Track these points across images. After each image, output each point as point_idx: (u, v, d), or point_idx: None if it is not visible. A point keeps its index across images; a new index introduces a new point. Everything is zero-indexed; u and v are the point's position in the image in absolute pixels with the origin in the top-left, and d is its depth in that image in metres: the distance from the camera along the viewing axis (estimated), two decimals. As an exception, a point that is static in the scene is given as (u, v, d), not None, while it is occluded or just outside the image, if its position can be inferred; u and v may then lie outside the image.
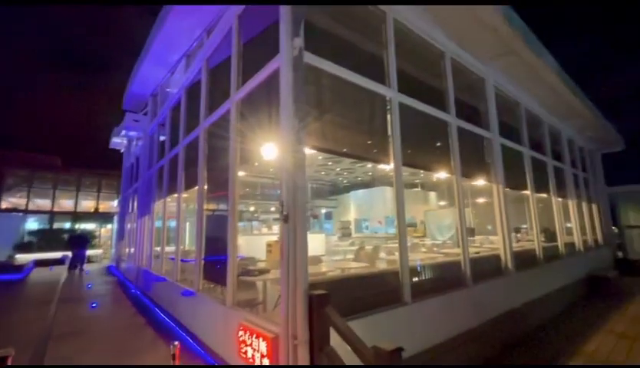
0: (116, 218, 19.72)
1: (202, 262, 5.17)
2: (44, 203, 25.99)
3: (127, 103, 11.39)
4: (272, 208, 14.24)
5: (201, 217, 5.29)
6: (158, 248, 8.34)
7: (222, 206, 5.18)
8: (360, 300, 3.47)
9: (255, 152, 4.33)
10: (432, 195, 15.37)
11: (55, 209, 26.30)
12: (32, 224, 24.76)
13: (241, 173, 4.53)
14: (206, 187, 5.40)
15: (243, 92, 4.32)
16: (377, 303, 3.53)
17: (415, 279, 4.25)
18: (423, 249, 8.19)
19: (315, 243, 11.37)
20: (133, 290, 9.88)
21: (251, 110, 4.24)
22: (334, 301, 2.73)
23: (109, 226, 26.31)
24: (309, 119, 3.35)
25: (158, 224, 8.73)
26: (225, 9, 5.18)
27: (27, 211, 24.48)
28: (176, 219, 7.08)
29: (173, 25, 6.13)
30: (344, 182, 16.32)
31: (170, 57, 7.67)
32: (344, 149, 4.05)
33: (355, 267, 5.34)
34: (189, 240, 11.36)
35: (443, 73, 5.48)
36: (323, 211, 17.41)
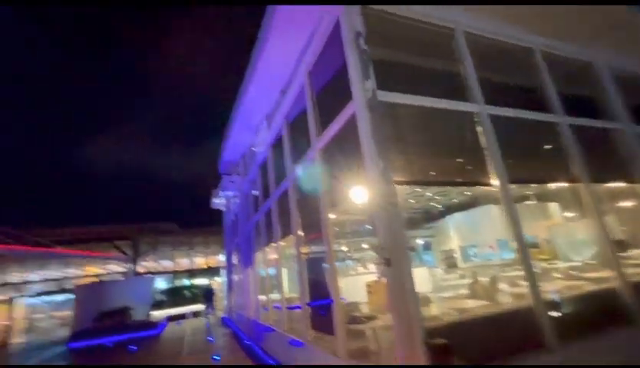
0: (223, 271, 22.14)
1: (309, 309, 5.35)
2: (167, 264, 31.07)
3: (222, 168, 13.27)
4: (364, 245, 14.13)
5: (301, 262, 5.58)
6: (264, 297, 9.00)
7: (313, 248, 5.41)
8: (487, 346, 3.07)
9: (343, 193, 4.49)
10: (553, 206, 13.14)
11: (176, 269, 31.10)
12: (160, 283, 29.64)
13: (331, 215, 4.71)
14: (301, 233, 5.75)
15: (324, 140, 4.63)
16: (509, 349, 3.06)
17: (557, 315, 3.58)
18: (558, 275, 6.90)
19: (418, 279, 10.59)
20: (246, 341, 10.69)
21: (334, 155, 4.49)
22: (457, 351, 2.48)
23: (217, 279, 29.64)
24: (393, 154, 3.37)
25: (260, 272, 9.52)
26: (296, 68, 5.80)
27: (156, 273, 29.55)
28: (276, 267, 7.61)
29: (254, 93, 7.11)
30: (439, 206, 15.30)
31: (253, 121, 8.81)
32: (433, 175, 3.89)
33: (473, 306, 4.79)
34: (289, 286, 11.99)
35: (535, 70, 4.95)
36: (419, 242, 16.46)
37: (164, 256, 31.10)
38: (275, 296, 8.27)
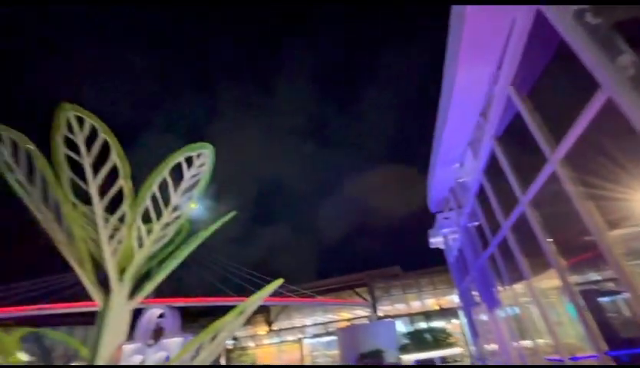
0: (461, 312, 20.62)
1: (610, 360, 4.05)
2: (401, 307, 32.27)
3: (433, 206, 13.20)
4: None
5: (574, 296, 4.45)
6: (526, 342, 7.58)
7: (584, 277, 4.19)
8: None
9: (617, 200, 3.42)
10: None
11: (410, 311, 31.71)
12: (399, 326, 30.79)
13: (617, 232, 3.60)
14: (561, 260, 4.68)
15: (564, 148, 3.84)
16: None
17: None
18: None
19: None
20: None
21: (585, 158, 3.61)
22: None
23: (454, 321, 27.68)
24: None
25: (509, 312, 8.21)
26: (491, 83, 5.35)
27: (393, 316, 31.15)
28: (531, 304, 6.37)
29: (452, 127, 7.00)
30: None
31: (455, 153, 8.52)
32: None
33: None
34: (558, 329, 9.57)
35: None
36: None
37: (397, 300, 32.57)
38: (540, 341, 6.82)
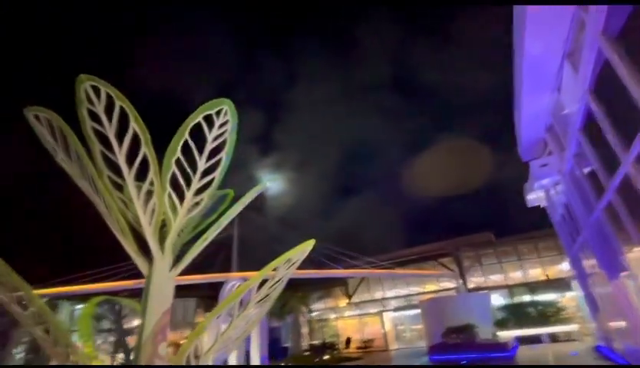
0: (575, 283, 17.88)
1: None
2: (497, 278, 29.57)
3: (525, 152, 11.15)
4: None
5: None
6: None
7: None
8: None
9: None
10: None
11: (508, 283, 28.87)
12: (496, 299, 28.36)
13: None
14: None
15: None
16: None
17: None
18: None
19: None
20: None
21: None
22: None
23: (568, 294, 24.27)
24: None
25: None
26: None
27: (486, 288, 28.79)
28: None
29: (536, 26, 5.41)
30: None
31: (547, 71, 6.70)
32: None
33: None
34: None
35: None
36: None
37: (491, 270, 29.99)
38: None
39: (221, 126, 4.52)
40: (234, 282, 20.93)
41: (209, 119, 4.48)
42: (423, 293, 28.99)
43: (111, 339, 23.53)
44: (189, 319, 26.00)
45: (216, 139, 4.55)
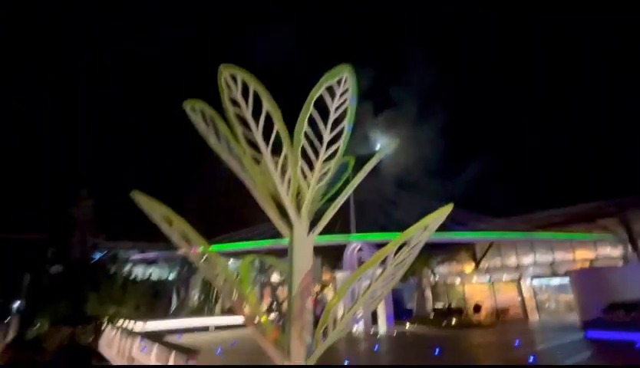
0: None
1: None
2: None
3: None
4: None
5: None
6: None
7: None
8: None
9: None
10: None
11: None
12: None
13: None
14: None
15: None
16: None
17: None
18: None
19: None
20: None
21: None
22: None
23: None
24: None
25: None
26: None
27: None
28: None
29: None
30: None
31: None
32: None
33: None
34: None
35: None
36: None
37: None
38: None
39: (342, 94, 4.58)
40: (355, 245, 22.17)
41: (330, 90, 4.59)
42: (574, 260, 24.77)
43: (255, 289, 28.54)
44: (317, 275, 29.02)
45: (338, 108, 4.65)
